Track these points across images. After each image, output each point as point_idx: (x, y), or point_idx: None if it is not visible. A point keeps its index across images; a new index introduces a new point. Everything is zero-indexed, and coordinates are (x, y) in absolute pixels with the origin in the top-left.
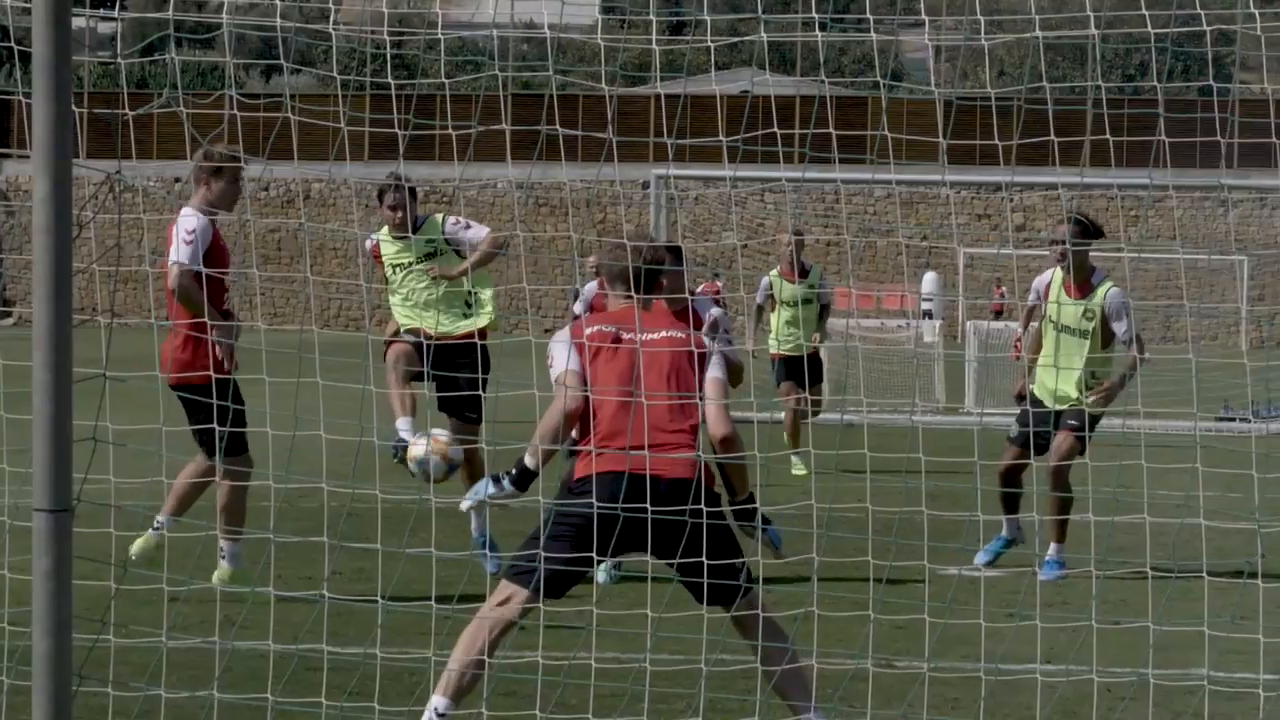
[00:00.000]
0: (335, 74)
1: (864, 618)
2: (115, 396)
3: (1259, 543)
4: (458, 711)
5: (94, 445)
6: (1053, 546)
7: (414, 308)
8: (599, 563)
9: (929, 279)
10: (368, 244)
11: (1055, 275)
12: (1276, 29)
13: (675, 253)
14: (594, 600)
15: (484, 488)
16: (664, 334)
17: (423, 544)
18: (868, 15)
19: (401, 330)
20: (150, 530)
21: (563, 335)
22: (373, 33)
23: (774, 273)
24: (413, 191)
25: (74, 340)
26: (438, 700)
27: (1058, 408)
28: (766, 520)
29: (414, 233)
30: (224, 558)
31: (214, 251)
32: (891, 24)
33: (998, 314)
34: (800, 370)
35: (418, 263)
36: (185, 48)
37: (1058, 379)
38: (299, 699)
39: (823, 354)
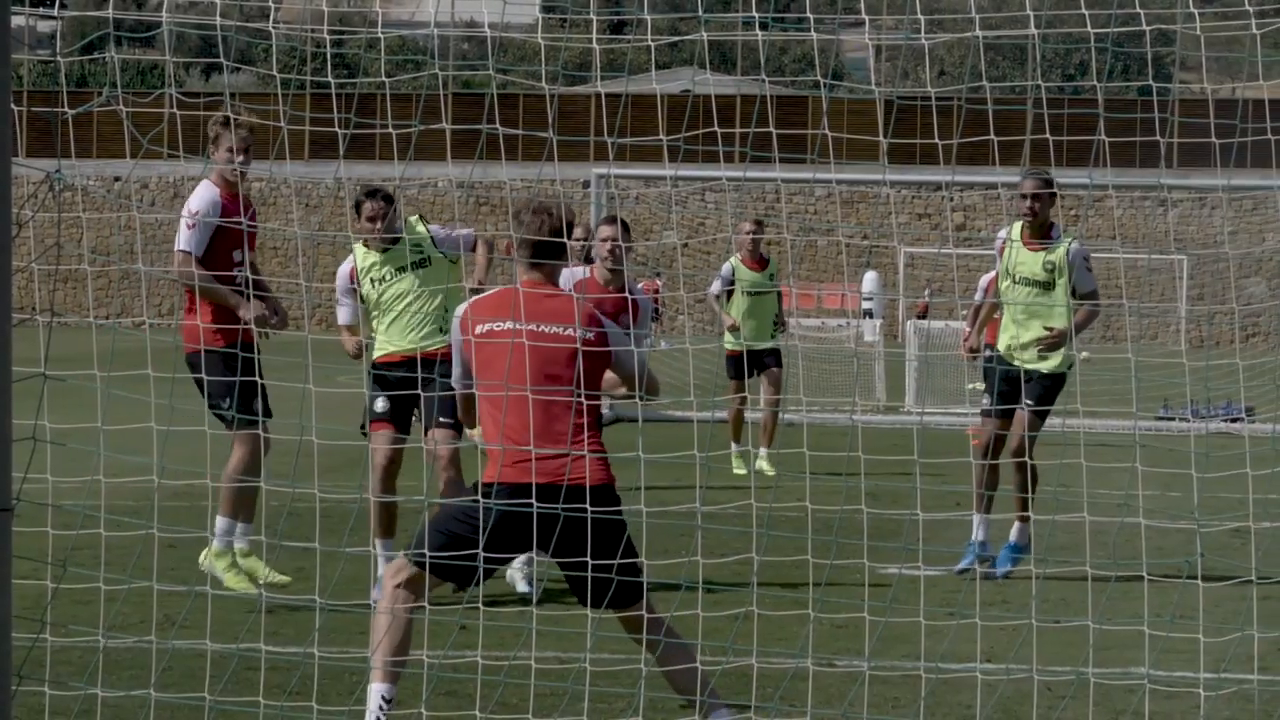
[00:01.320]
0: (275, 73)
1: (804, 617)
2: (54, 396)
3: (1198, 542)
4: (399, 712)
5: (33, 445)
6: (1016, 528)
7: (400, 326)
8: (493, 569)
9: (869, 278)
10: (344, 269)
11: (1014, 229)
12: (1216, 29)
13: (625, 228)
14: (534, 600)
15: None
16: (543, 328)
17: (362, 543)
18: (808, 14)
19: (373, 358)
20: (223, 542)
21: (454, 329)
22: (313, 32)
23: (735, 259)
24: (388, 198)
25: (13, 339)
26: (379, 687)
27: (1027, 366)
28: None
29: (395, 243)
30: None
31: (223, 227)
32: (832, 23)
33: (922, 315)
34: (752, 368)
35: (400, 271)
36: (125, 46)
37: (1014, 333)
38: (238, 698)
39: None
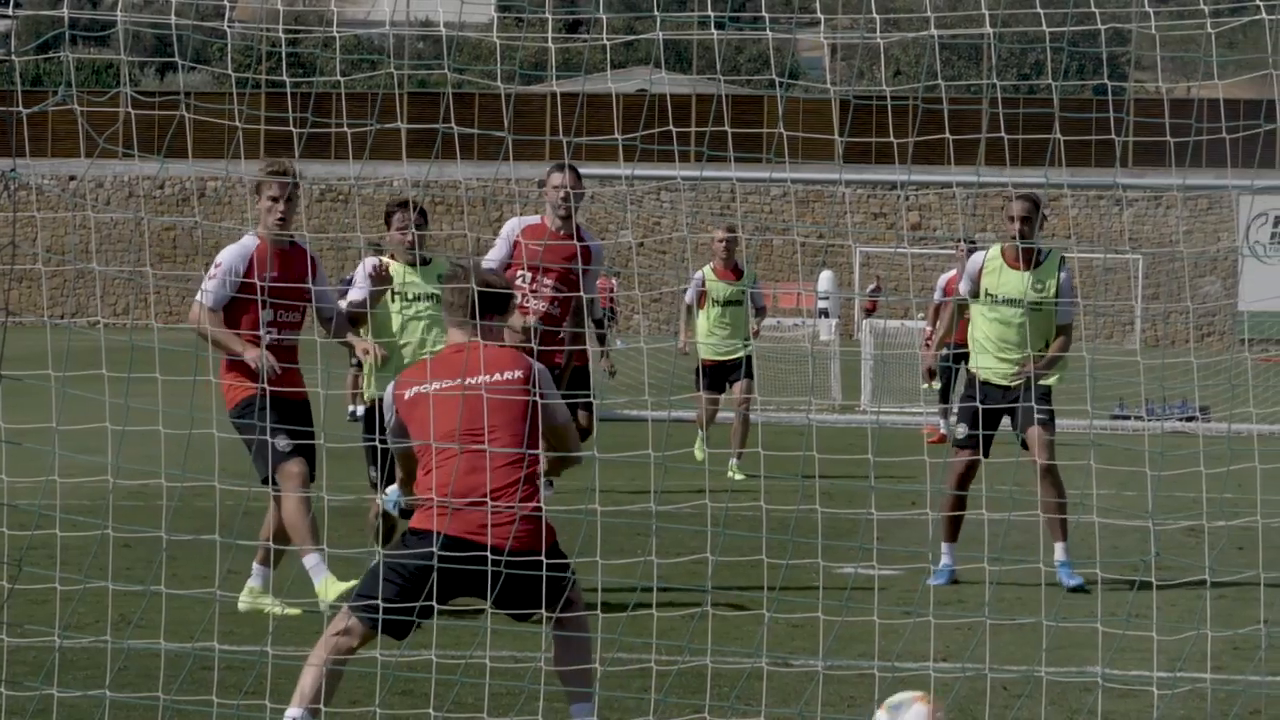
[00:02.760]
0: (230, 72)
1: (759, 616)
2: (8, 395)
3: (1153, 541)
4: (354, 710)
5: None
6: (1059, 548)
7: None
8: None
9: (825, 277)
10: (368, 265)
11: (991, 251)
12: (1171, 29)
13: (577, 176)
14: (489, 601)
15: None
16: (489, 378)
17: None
18: (764, 14)
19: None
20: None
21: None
22: (268, 31)
23: (707, 268)
24: (423, 214)
25: None
26: (293, 711)
27: (1012, 383)
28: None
29: (426, 262)
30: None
31: (250, 284)
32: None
33: (870, 312)
34: (722, 379)
35: (428, 299)
36: (80, 45)
37: (996, 357)
38: (193, 698)
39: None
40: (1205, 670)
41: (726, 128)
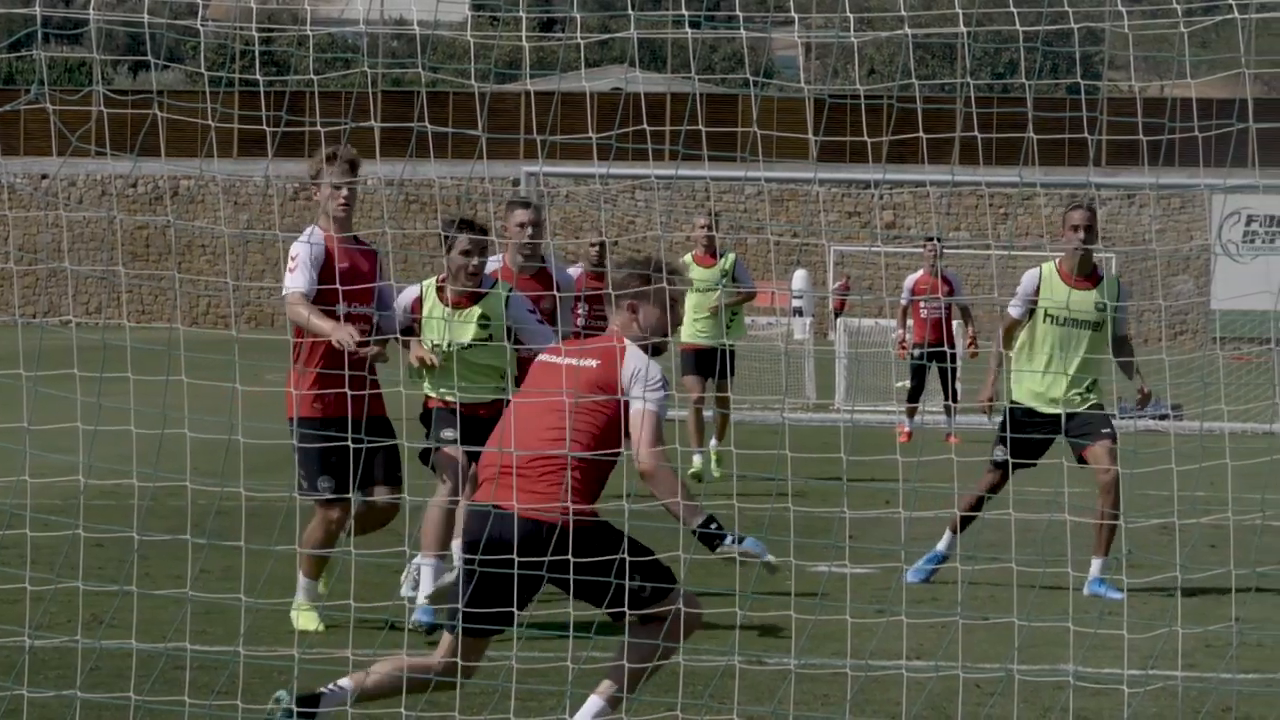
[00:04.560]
0: (204, 70)
1: (733, 615)
2: None
3: (1123, 540)
4: (325, 710)
5: None
6: (1098, 564)
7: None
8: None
9: (799, 276)
10: (409, 295)
11: (1044, 269)
12: (1144, 28)
13: (537, 211)
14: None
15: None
16: (570, 362)
17: (290, 542)
18: (738, 13)
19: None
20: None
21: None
22: (241, 29)
23: (688, 257)
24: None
25: None
26: (343, 681)
27: (1065, 410)
28: (740, 536)
29: (477, 300)
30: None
31: (328, 274)
32: (762, 22)
33: (839, 310)
34: (710, 364)
35: (464, 348)
36: (52, 43)
37: (1052, 379)
38: (165, 698)
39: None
40: (1177, 668)
41: (701, 126)
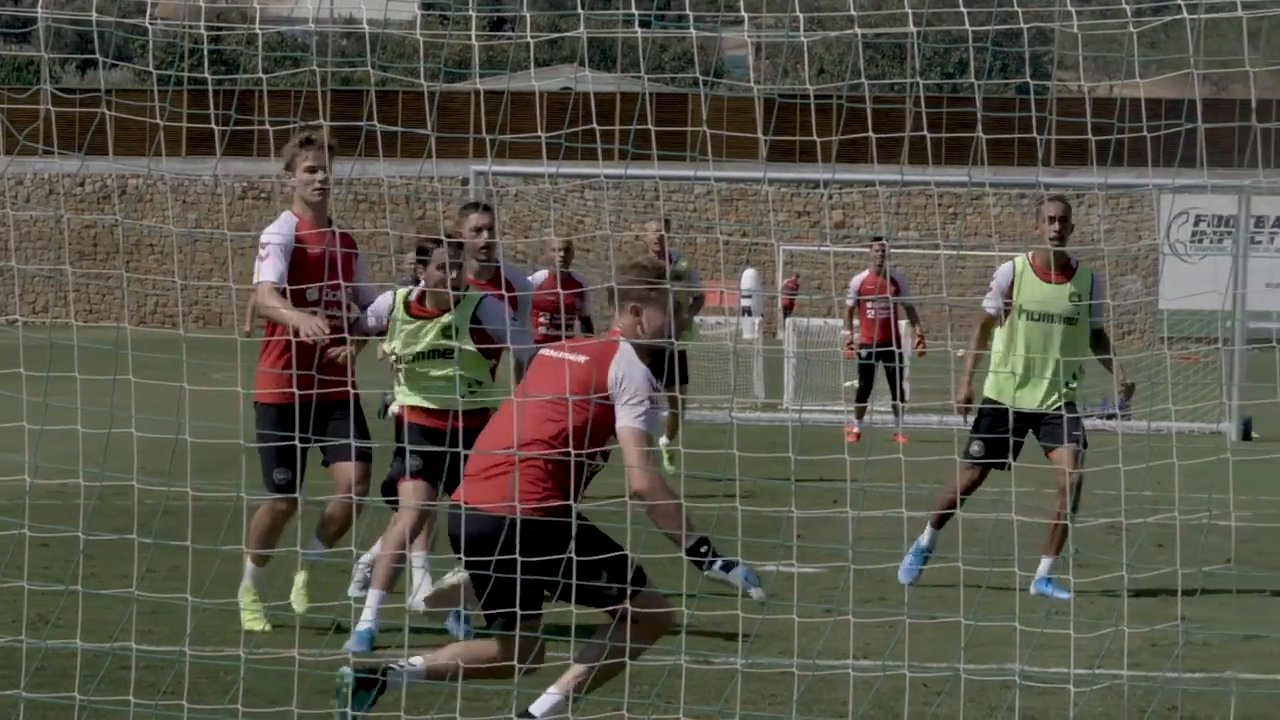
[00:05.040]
0: (152, 69)
1: (679, 614)
2: None
3: (1070, 539)
4: (272, 710)
5: None
6: (1047, 562)
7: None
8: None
9: (748, 276)
10: (385, 302)
11: (1017, 263)
12: (1093, 28)
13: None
14: (408, 600)
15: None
16: (564, 356)
17: (237, 542)
18: (688, 12)
19: (402, 407)
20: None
21: None
22: (190, 27)
23: None
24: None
25: None
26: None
27: (1041, 409)
28: (731, 562)
29: (456, 305)
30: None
31: (299, 265)
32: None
33: (788, 309)
34: (659, 369)
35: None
36: (0, 42)
37: (1028, 375)
38: (111, 698)
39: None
40: (1123, 667)
41: (650, 126)
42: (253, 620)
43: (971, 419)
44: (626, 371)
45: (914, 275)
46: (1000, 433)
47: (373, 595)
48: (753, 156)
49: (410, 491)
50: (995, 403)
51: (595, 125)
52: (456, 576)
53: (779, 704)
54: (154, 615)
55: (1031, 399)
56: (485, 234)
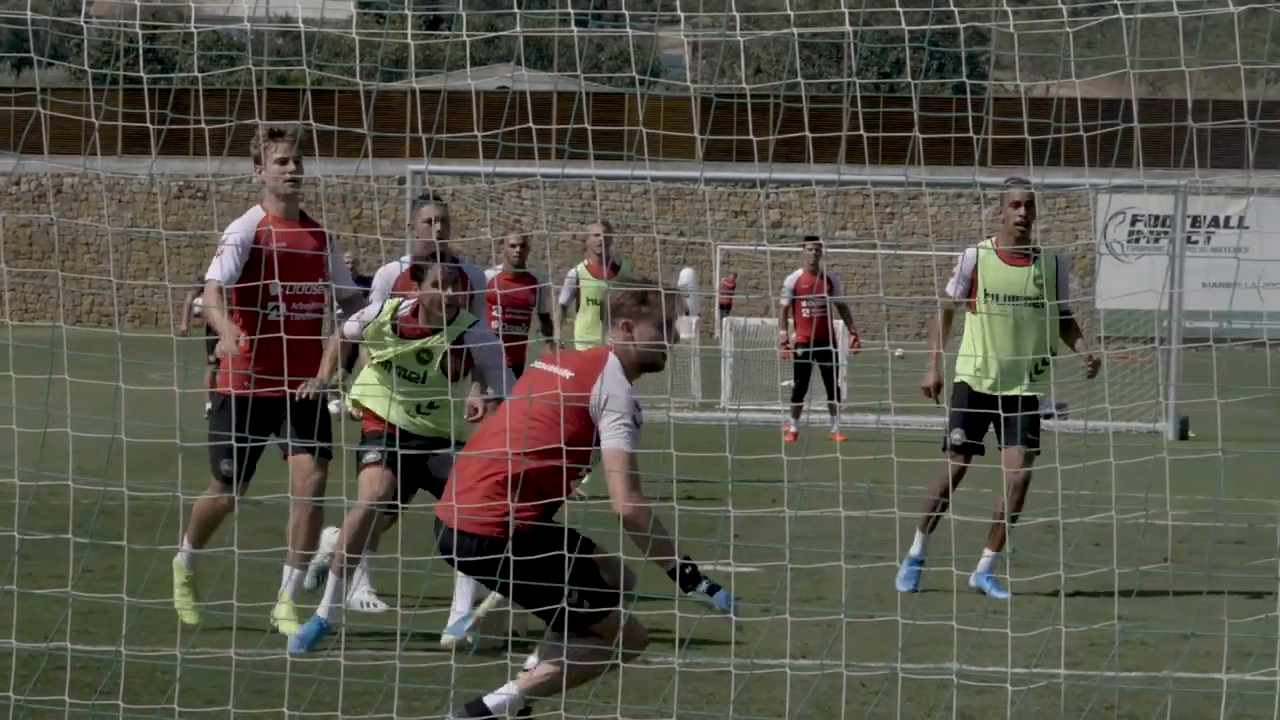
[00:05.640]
0: (88, 68)
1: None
2: None
3: (1008, 538)
4: (209, 710)
5: None
6: (990, 557)
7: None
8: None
9: (685, 275)
10: (370, 313)
11: (980, 249)
12: (1030, 28)
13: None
14: (344, 600)
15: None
16: (552, 369)
17: (171, 541)
18: (625, 11)
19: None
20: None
21: None
22: (126, 26)
23: (582, 266)
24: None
25: None
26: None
27: (1008, 392)
28: (714, 586)
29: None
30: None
31: (258, 262)
32: (649, 21)
33: (725, 308)
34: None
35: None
36: None
37: (998, 358)
38: (46, 697)
39: None
40: (1060, 666)
41: (587, 125)
42: (184, 608)
43: (947, 407)
44: (610, 391)
45: (851, 275)
46: (976, 417)
47: (331, 582)
48: (689, 156)
49: (368, 479)
50: (968, 387)
51: (532, 124)
52: (491, 600)
53: (717, 703)
54: (90, 615)
55: (1000, 384)
56: (439, 226)
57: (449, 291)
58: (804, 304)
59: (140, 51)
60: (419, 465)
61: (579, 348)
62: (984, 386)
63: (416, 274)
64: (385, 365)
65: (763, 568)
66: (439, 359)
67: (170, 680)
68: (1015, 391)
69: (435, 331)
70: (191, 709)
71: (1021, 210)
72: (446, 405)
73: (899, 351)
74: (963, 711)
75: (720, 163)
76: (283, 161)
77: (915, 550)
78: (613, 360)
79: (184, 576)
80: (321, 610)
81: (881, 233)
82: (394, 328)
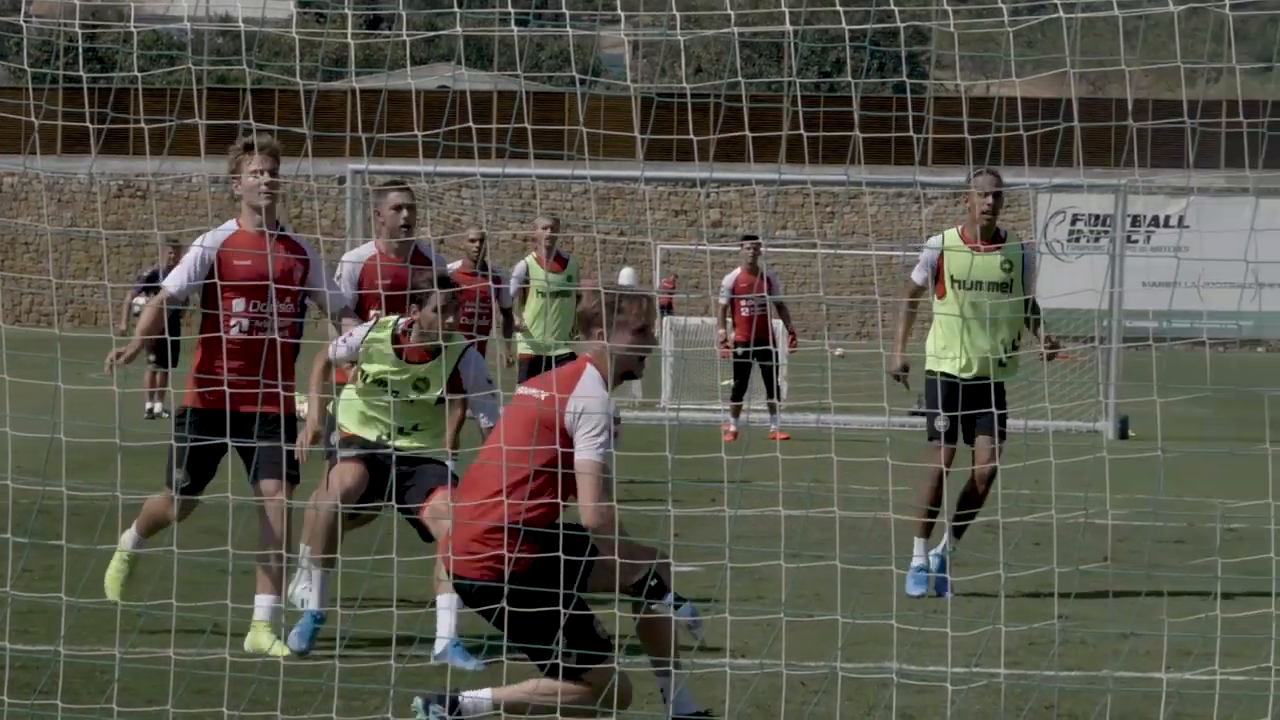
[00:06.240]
0: (27, 67)
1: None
2: None
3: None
4: (149, 709)
5: None
6: (950, 541)
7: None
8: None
9: (626, 274)
10: (359, 333)
11: (946, 236)
12: (970, 27)
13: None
14: (283, 601)
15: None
16: (529, 392)
17: (112, 541)
18: (565, 11)
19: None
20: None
21: None
22: (66, 25)
23: (530, 258)
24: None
25: None
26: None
27: (980, 379)
28: (680, 599)
29: (434, 354)
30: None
31: (225, 269)
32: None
33: (666, 308)
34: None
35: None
36: None
37: (969, 344)
38: None
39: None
40: (1000, 665)
41: (527, 125)
42: (112, 583)
43: (917, 390)
44: (584, 405)
45: (791, 274)
46: (954, 404)
47: (316, 576)
48: (630, 155)
49: (339, 473)
50: (938, 372)
51: (472, 124)
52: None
53: (656, 703)
54: (29, 615)
55: (969, 368)
56: (405, 212)
57: (449, 319)
58: (743, 303)
59: (80, 51)
60: (390, 480)
61: (521, 344)
62: (955, 368)
63: (416, 297)
64: (379, 383)
65: (702, 567)
66: (437, 390)
67: (109, 680)
68: (986, 376)
69: (434, 354)
70: (131, 708)
71: (990, 200)
72: (431, 427)
73: (839, 351)
74: (902, 711)
75: (660, 162)
76: (259, 173)
77: (917, 562)
78: (590, 371)
79: (126, 555)
80: (312, 603)
81: (822, 232)
82: (397, 353)
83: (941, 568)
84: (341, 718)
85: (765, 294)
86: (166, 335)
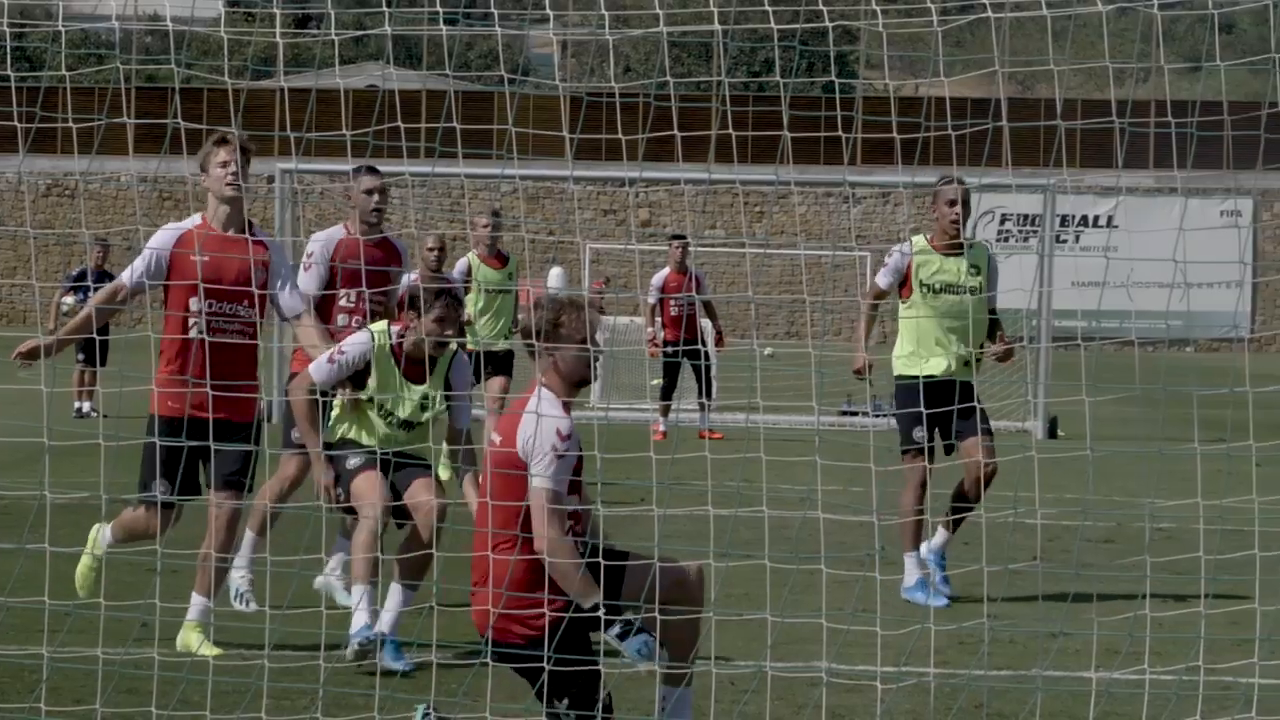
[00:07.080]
0: None
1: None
2: None
3: (877, 536)
4: (75, 709)
5: None
6: (944, 537)
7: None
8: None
9: (555, 274)
10: (356, 348)
11: (915, 242)
12: (899, 27)
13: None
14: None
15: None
16: (494, 439)
17: (40, 540)
18: (494, 10)
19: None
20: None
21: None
22: None
23: (472, 255)
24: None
25: None
26: None
27: (951, 377)
28: (627, 629)
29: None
30: None
31: (179, 266)
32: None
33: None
34: (507, 364)
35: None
36: None
37: (944, 348)
38: None
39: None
40: (929, 665)
41: (456, 124)
42: (84, 580)
43: (887, 392)
44: (531, 433)
45: (720, 274)
46: (938, 407)
47: (357, 592)
48: (559, 154)
49: (367, 487)
50: (911, 378)
51: (401, 123)
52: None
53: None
54: None
55: (941, 370)
56: (377, 196)
57: (448, 336)
58: (672, 302)
59: (8, 49)
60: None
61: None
62: (931, 370)
63: (414, 304)
64: (371, 399)
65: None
66: (441, 406)
67: (38, 679)
68: (957, 376)
69: (433, 363)
70: (59, 707)
71: (957, 208)
72: (424, 426)
73: (768, 350)
74: (832, 710)
75: (589, 161)
76: (225, 164)
77: (910, 580)
78: (541, 393)
79: (95, 556)
80: (382, 625)
81: (750, 231)
82: (396, 363)
83: (937, 559)
84: (270, 717)
85: (694, 293)
86: (94, 335)
